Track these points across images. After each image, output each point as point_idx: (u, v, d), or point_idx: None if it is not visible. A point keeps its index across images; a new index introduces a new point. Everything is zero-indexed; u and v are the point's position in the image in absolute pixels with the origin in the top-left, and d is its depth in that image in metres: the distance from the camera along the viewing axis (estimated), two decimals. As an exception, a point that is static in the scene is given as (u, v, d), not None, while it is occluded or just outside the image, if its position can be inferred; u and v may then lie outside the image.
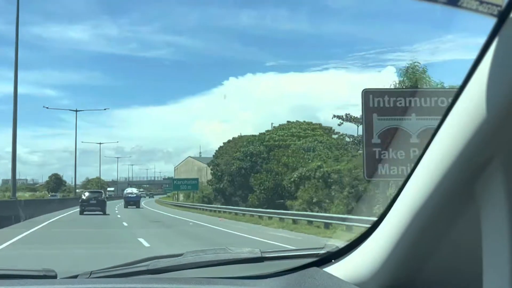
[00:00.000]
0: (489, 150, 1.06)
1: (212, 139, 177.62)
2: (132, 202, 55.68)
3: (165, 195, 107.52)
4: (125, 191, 61.67)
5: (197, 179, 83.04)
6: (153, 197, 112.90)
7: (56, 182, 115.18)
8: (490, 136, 1.03)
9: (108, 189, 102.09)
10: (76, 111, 62.84)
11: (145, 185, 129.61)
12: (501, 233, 1.04)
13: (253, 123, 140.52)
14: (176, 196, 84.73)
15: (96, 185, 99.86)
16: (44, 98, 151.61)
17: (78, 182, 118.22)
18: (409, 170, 1.32)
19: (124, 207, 53.30)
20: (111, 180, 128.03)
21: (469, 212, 1.16)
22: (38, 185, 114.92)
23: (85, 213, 34.36)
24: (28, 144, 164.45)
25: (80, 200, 37.45)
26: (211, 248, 1.87)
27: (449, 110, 1.13)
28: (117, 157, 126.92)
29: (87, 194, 37.53)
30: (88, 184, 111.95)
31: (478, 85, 1.03)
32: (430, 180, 1.18)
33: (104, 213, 34.72)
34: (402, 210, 1.30)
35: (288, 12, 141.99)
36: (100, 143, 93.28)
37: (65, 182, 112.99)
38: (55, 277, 1.67)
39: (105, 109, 78.11)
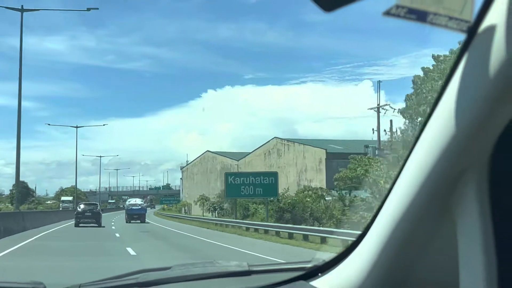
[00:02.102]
0: (462, 163, 1.09)
1: (190, 151, 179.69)
2: (136, 216, 45.51)
3: (159, 207, 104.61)
4: (127, 202, 51.27)
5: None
6: (154, 208, 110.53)
7: (23, 192, 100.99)
8: (462, 150, 1.07)
9: (63, 198, 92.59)
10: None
11: (125, 196, 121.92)
12: (475, 244, 1.08)
13: (231, 135, 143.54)
14: (187, 208, 77.06)
15: (71, 195, 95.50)
16: (21, 110, 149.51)
17: (51, 194, 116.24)
18: None
19: (126, 222, 44.21)
20: (88, 190, 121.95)
21: (446, 224, 1.19)
22: (3, 196, 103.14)
23: (80, 225, 34.63)
24: (3, 155, 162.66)
25: (75, 213, 37.44)
26: (199, 262, 1.88)
27: (424, 126, 1.16)
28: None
29: (82, 206, 37.61)
30: (62, 194, 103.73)
31: (450, 101, 1.05)
32: (408, 194, 1.21)
33: (99, 225, 34.86)
34: (384, 223, 1.32)
35: (266, 26, 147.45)
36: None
37: (33, 192, 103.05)
38: None
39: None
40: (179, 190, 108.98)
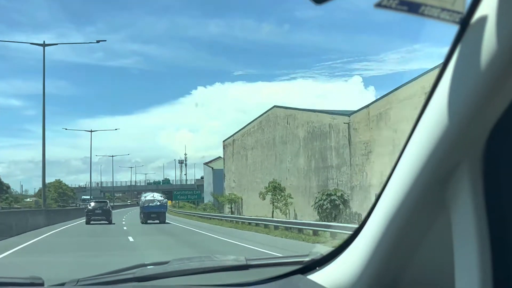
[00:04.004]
0: (456, 156, 1.09)
1: (180, 148, 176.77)
2: (155, 215, 36.79)
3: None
4: (142, 198, 39.47)
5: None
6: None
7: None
8: (455, 142, 1.06)
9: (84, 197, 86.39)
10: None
11: (118, 194, 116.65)
12: (470, 236, 1.07)
13: (221, 132, 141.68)
14: (236, 206, 54.11)
15: (55, 191, 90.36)
16: (8, 108, 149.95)
17: (33, 192, 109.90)
18: None
19: (142, 223, 35.92)
20: (78, 186, 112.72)
21: (442, 218, 1.20)
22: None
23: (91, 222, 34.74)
24: None
25: (86, 210, 37.61)
26: (197, 256, 1.88)
27: (418, 120, 1.15)
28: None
29: (92, 204, 37.66)
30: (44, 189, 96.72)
31: (443, 94, 1.05)
32: (403, 188, 1.21)
33: (110, 223, 34.88)
34: (380, 217, 1.33)
35: (256, 22, 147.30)
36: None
37: (8, 188, 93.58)
38: (42, 284, 1.68)
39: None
40: (194, 185, 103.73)
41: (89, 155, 75.24)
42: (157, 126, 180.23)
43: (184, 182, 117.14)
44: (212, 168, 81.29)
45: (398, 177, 1.23)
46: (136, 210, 69.55)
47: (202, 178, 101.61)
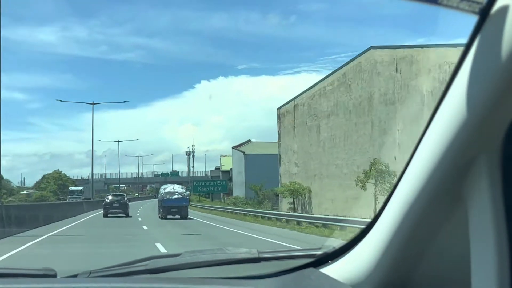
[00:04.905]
0: (473, 149, 1.07)
1: (184, 142, 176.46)
2: (175, 209, 32.81)
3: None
4: (161, 190, 35.52)
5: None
6: None
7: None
8: (473, 135, 1.05)
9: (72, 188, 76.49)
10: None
11: (122, 186, 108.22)
12: (487, 230, 1.06)
13: (225, 126, 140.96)
14: (301, 200, 37.97)
15: (55, 183, 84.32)
16: (12, 102, 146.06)
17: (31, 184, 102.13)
18: None
19: (161, 218, 32.64)
20: (80, 178, 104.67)
21: (458, 213, 1.18)
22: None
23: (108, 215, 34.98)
24: None
25: (103, 203, 37.65)
26: (209, 249, 1.87)
27: (435, 112, 1.14)
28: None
29: (110, 197, 38.14)
30: (42, 181, 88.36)
31: (461, 85, 1.04)
32: (419, 182, 1.20)
33: (127, 216, 35.20)
34: (394, 211, 1.31)
35: (260, 15, 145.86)
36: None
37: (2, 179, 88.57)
38: (54, 276, 1.70)
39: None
40: (207, 176, 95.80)
41: (94, 149, 71.31)
42: (160, 120, 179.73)
43: (191, 175, 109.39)
44: (244, 152, 64.78)
45: (414, 170, 1.22)
46: (147, 204, 66.27)
47: (217, 169, 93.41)
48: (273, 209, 40.33)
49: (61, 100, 72.76)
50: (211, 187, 71.23)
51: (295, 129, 40.66)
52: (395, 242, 1.32)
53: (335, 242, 1.74)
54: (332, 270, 1.56)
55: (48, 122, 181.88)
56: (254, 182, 52.84)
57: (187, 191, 36.24)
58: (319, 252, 1.68)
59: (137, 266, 1.74)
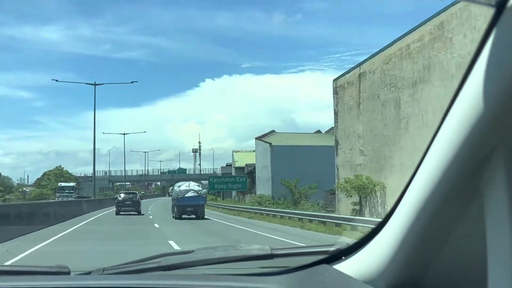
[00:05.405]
0: (491, 143, 1.06)
1: (188, 140, 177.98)
2: (191, 209, 30.51)
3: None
4: (175, 188, 32.97)
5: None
6: None
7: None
8: (491, 129, 1.03)
9: (62, 184, 71.35)
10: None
11: (128, 184, 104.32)
12: (504, 229, 1.05)
13: (228, 125, 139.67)
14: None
15: (56, 180, 79.04)
16: (17, 100, 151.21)
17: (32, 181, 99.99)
18: None
19: (175, 218, 30.17)
20: (83, 175, 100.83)
21: (474, 208, 1.15)
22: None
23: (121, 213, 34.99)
24: (2, 146, 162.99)
25: (116, 201, 37.71)
26: (222, 245, 1.86)
27: (450, 105, 1.12)
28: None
29: (122, 195, 38.24)
30: (43, 178, 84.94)
31: (478, 78, 1.03)
32: (434, 177, 1.18)
33: (139, 214, 35.44)
34: (408, 207, 1.29)
35: (264, 14, 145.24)
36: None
37: None
38: (68, 273, 1.72)
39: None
40: (217, 174, 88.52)
41: (98, 147, 71.70)
42: (164, 118, 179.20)
43: (198, 172, 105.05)
44: (270, 144, 55.09)
45: (430, 164, 1.19)
46: (156, 202, 63.37)
47: (228, 165, 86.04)
48: (327, 211, 31.33)
49: (57, 80, 64.99)
50: (229, 184, 62.19)
51: (360, 105, 29.75)
52: (409, 238, 1.29)
53: (348, 239, 1.72)
54: (346, 266, 1.55)
55: (53, 120, 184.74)
56: (282, 177, 43.34)
57: (203, 189, 33.59)
58: (332, 249, 1.67)
59: (150, 263, 1.76)
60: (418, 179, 1.24)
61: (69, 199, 56.85)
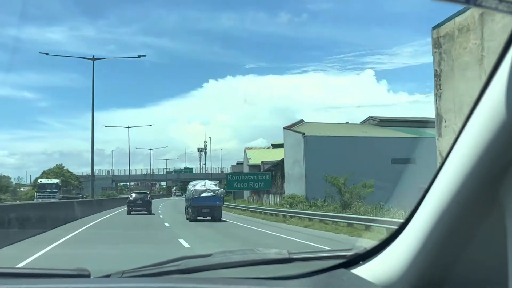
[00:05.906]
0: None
1: (192, 141, 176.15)
2: (207, 210, 27.82)
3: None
4: (190, 187, 29.82)
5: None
6: None
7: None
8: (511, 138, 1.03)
9: (43, 181, 65.96)
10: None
11: (132, 184, 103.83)
12: None
13: (232, 125, 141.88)
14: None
15: (56, 177, 73.61)
16: (21, 101, 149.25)
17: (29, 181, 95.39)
18: None
19: (190, 220, 27.76)
20: (86, 174, 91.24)
21: (495, 216, 1.16)
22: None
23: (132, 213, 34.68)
24: (6, 146, 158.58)
25: (127, 201, 37.44)
26: (239, 249, 1.87)
27: (471, 112, 1.12)
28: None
29: (133, 195, 37.98)
30: (42, 177, 77.29)
31: (500, 86, 1.03)
32: (454, 183, 1.18)
33: (150, 213, 35.24)
34: (428, 211, 1.29)
35: (268, 15, 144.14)
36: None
37: None
38: (88, 276, 1.72)
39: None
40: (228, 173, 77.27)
41: (102, 148, 70.45)
42: (168, 119, 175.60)
43: (204, 172, 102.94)
44: (303, 134, 46.18)
45: (450, 171, 1.20)
46: (165, 203, 60.35)
47: (239, 163, 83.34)
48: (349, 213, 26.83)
49: (47, 54, 52.06)
50: (250, 183, 53.32)
51: (483, 60, 21.14)
52: (429, 243, 1.29)
53: (367, 243, 1.72)
54: (364, 271, 1.55)
55: (57, 121, 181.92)
56: (319, 173, 35.52)
57: (221, 188, 30.49)
58: (350, 253, 1.67)
59: (169, 266, 1.76)
60: (438, 184, 1.23)
61: (51, 200, 49.00)
